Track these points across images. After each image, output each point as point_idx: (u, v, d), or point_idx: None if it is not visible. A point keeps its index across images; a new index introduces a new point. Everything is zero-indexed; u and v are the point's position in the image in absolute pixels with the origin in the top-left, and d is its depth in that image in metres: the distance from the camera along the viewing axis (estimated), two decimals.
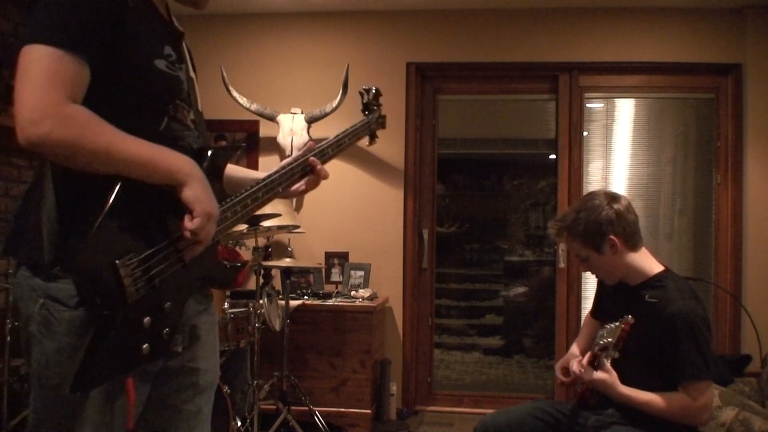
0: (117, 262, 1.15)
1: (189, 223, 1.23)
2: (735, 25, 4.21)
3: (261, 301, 3.43)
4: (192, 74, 1.46)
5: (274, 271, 4.13)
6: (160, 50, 1.32)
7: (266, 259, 3.96)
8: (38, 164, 1.28)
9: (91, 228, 1.13)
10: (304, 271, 4.30)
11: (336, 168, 4.41)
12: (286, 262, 3.58)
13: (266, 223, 3.52)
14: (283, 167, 1.54)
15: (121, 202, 1.17)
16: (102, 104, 1.20)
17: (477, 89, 4.61)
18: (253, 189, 1.44)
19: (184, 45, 1.46)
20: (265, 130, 4.42)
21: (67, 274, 1.19)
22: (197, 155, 1.36)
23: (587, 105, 4.46)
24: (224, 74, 4.18)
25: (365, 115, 1.84)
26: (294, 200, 4.36)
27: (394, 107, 4.41)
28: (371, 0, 4.34)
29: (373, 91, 1.87)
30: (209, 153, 1.39)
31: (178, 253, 1.26)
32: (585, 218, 2.10)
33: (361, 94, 1.88)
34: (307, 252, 4.38)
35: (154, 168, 1.20)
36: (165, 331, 1.26)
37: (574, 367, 2.10)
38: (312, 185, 1.61)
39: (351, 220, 4.42)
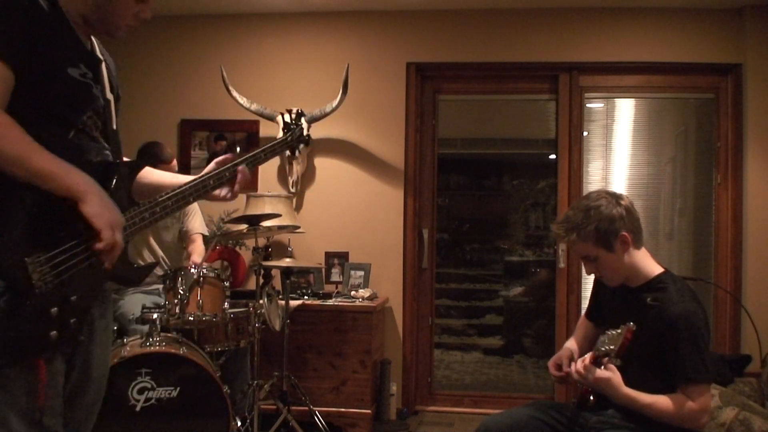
0: (26, 259, 1.31)
1: (97, 244, 1.38)
2: (734, 25, 4.21)
3: (261, 301, 3.43)
4: (109, 96, 1.58)
5: (274, 271, 4.13)
6: (75, 62, 1.45)
7: (266, 259, 3.96)
8: None
9: (2, 230, 1.30)
10: (304, 271, 4.29)
11: (336, 168, 4.42)
12: (286, 262, 3.57)
13: (266, 223, 3.52)
14: (196, 180, 1.68)
15: (31, 205, 1.34)
16: (16, 107, 1.32)
17: (477, 89, 4.61)
18: (163, 198, 1.60)
19: (103, 70, 1.58)
20: (265, 130, 4.41)
21: None
22: (106, 168, 1.52)
23: (587, 105, 4.46)
24: (224, 74, 4.18)
25: (284, 133, 1.99)
26: (294, 200, 4.36)
27: (394, 107, 4.41)
28: (371, 0, 4.34)
29: (295, 112, 2.04)
30: (117, 167, 1.54)
31: (87, 253, 1.41)
32: (596, 217, 2.06)
33: (282, 114, 2.04)
34: (307, 252, 4.38)
35: (55, 183, 1.35)
36: (72, 321, 1.42)
37: (578, 366, 2.07)
38: (231, 197, 1.77)
39: (351, 220, 4.42)
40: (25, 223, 1.34)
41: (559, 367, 2.25)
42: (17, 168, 1.31)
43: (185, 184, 1.66)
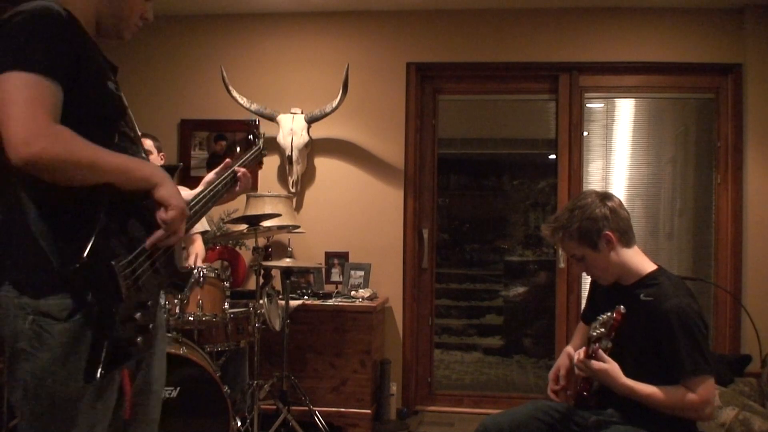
0: (113, 263, 1.27)
1: (164, 215, 1.38)
2: (735, 25, 4.21)
3: (261, 301, 3.43)
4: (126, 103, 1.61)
5: (274, 271, 4.13)
6: (109, 76, 1.48)
7: (266, 259, 3.96)
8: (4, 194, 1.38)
9: (90, 237, 1.27)
10: (304, 271, 4.29)
11: (336, 168, 4.42)
12: (286, 262, 3.58)
13: (266, 223, 3.52)
14: (210, 189, 1.74)
15: (104, 210, 1.32)
16: (67, 122, 1.31)
17: (477, 89, 4.61)
18: (191, 205, 1.60)
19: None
20: (264, 130, 4.41)
21: (67, 281, 1.30)
22: None
23: (587, 105, 4.46)
24: (224, 74, 4.17)
25: (254, 143, 2.11)
26: (294, 200, 4.36)
27: (394, 107, 4.41)
28: (371, 0, 4.34)
29: (256, 122, 2.12)
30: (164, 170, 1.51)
31: (152, 256, 1.41)
32: (579, 216, 2.11)
33: (250, 124, 2.11)
34: (307, 252, 4.38)
35: (133, 175, 1.36)
36: (151, 326, 1.40)
37: (575, 361, 2.10)
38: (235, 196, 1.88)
39: (351, 220, 4.42)
40: (103, 228, 1.31)
41: (557, 380, 2.26)
42: (93, 171, 1.30)
43: (200, 193, 1.71)
